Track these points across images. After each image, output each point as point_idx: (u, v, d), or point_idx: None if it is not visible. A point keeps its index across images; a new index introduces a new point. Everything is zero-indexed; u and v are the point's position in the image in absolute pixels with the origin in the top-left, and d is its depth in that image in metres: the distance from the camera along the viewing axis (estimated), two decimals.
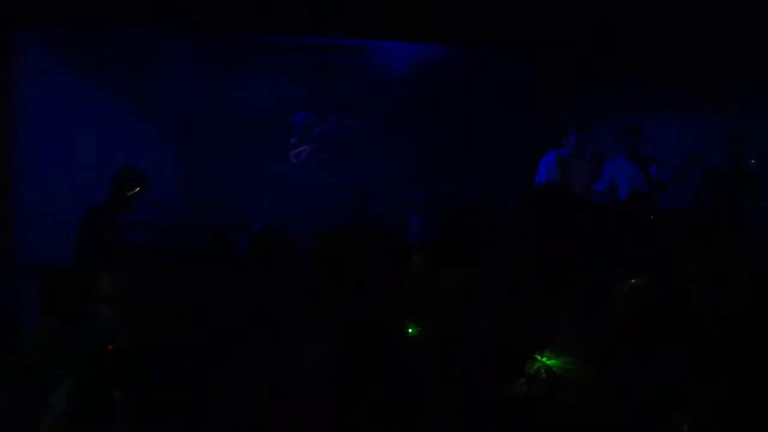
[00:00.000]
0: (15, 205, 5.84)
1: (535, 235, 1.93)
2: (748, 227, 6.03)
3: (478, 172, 7.74)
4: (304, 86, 7.76)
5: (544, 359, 1.82)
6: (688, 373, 1.89)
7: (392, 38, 6.74)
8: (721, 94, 7.05)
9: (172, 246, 5.54)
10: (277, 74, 7.64)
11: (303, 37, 6.79)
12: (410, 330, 2.36)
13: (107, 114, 6.62)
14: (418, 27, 6.30)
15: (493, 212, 3.28)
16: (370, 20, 6.10)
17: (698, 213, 2.95)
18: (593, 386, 1.82)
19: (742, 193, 6.67)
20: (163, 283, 2.29)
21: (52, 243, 5.31)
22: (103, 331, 1.72)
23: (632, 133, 6.71)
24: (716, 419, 1.71)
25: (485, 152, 7.78)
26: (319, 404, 1.61)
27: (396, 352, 1.79)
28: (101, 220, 5.40)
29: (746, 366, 1.91)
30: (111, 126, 6.57)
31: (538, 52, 6.91)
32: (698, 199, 6.57)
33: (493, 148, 7.71)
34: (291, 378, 1.73)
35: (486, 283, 2.49)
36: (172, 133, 7.40)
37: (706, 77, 6.90)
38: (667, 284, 2.23)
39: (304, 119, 7.99)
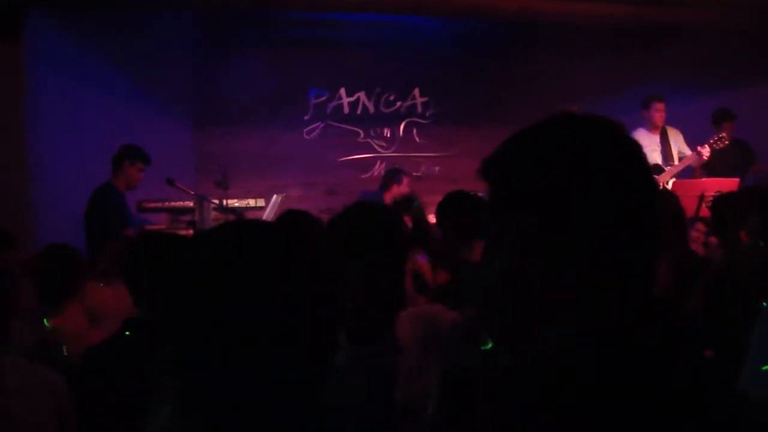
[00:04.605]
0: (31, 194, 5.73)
1: None
2: None
3: None
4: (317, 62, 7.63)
5: None
6: None
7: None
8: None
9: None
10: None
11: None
12: None
13: (118, 93, 6.54)
14: None
15: None
16: None
17: None
18: None
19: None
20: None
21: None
22: None
23: (656, 104, 6.53)
24: None
25: None
26: None
27: None
28: (106, 198, 5.42)
29: None
30: (121, 106, 6.50)
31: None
32: None
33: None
34: None
35: None
36: (185, 112, 7.30)
37: None
38: None
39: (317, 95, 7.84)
